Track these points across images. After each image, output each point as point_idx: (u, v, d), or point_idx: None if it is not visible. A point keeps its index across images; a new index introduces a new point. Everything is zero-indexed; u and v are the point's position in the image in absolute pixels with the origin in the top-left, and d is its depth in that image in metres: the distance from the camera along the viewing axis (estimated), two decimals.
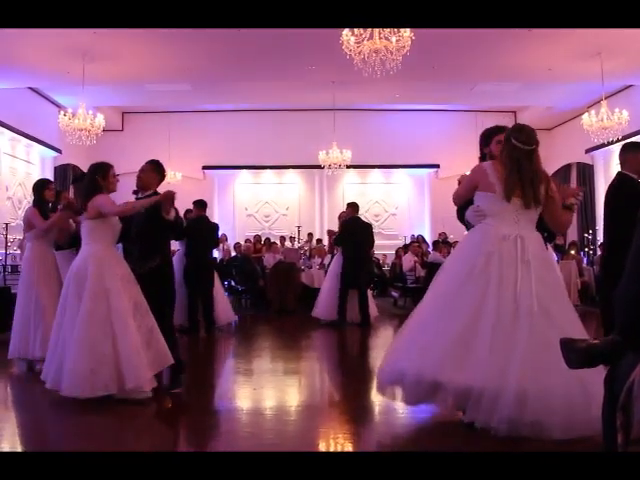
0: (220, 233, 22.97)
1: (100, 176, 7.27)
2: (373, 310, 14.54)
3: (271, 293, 17.31)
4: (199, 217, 13.12)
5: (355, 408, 6.97)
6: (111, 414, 6.37)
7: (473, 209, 6.00)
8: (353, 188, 25.85)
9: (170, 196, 7.18)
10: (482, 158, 6.68)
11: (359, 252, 13.97)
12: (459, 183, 6.73)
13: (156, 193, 7.55)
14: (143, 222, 7.32)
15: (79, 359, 6.56)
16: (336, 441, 5.74)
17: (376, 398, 7.58)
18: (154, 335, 7.00)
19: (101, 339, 6.65)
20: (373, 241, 14.67)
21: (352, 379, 8.84)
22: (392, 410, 6.83)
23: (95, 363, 6.55)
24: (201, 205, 13.28)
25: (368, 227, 14.65)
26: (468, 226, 6.45)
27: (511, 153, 5.77)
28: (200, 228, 12.83)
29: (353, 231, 14.08)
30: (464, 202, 6.22)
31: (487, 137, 6.64)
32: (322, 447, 5.58)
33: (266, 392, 7.91)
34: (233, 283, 19.38)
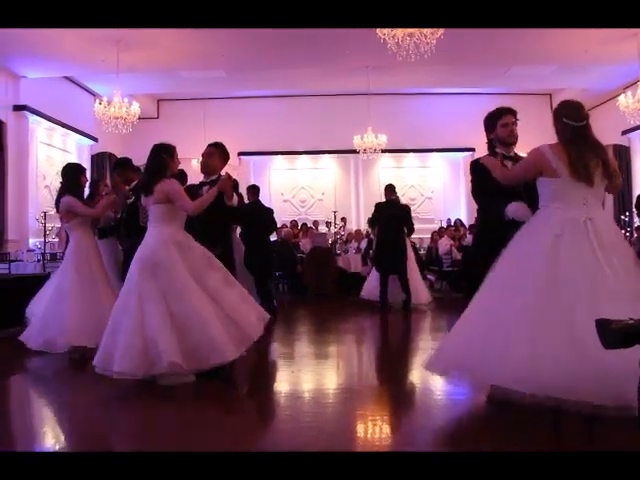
0: None
1: (168, 155, 7.22)
2: (424, 296, 14.54)
3: (308, 278, 17.36)
4: (253, 203, 13.12)
5: (392, 391, 7.00)
6: (145, 396, 6.43)
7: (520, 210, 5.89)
8: (388, 172, 25.73)
9: (228, 182, 7.17)
10: (490, 143, 6.62)
11: (392, 236, 13.89)
12: (474, 170, 6.59)
13: (220, 176, 7.55)
14: (207, 209, 7.23)
15: (212, 328, 6.72)
16: (374, 423, 5.77)
17: (414, 380, 7.62)
18: (248, 301, 7.27)
19: (216, 309, 6.83)
20: (412, 224, 14.35)
21: (390, 362, 8.86)
22: (429, 392, 6.86)
23: (223, 328, 6.79)
24: (254, 190, 13.27)
25: (404, 210, 14.38)
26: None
27: (564, 133, 5.60)
28: (257, 214, 12.86)
29: (383, 215, 14.06)
30: (517, 183, 6.01)
31: (490, 121, 6.57)
32: (360, 429, 5.62)
33: (304, 375, 7.96)
34: None
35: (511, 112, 6.55)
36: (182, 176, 10.13)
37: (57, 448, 5.01)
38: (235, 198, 7.35)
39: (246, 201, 13.16)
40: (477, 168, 6.41)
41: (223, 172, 7.78)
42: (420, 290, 14.51)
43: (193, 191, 7.51)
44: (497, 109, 6.60)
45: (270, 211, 13.68)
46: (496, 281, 5.68)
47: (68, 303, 8.67)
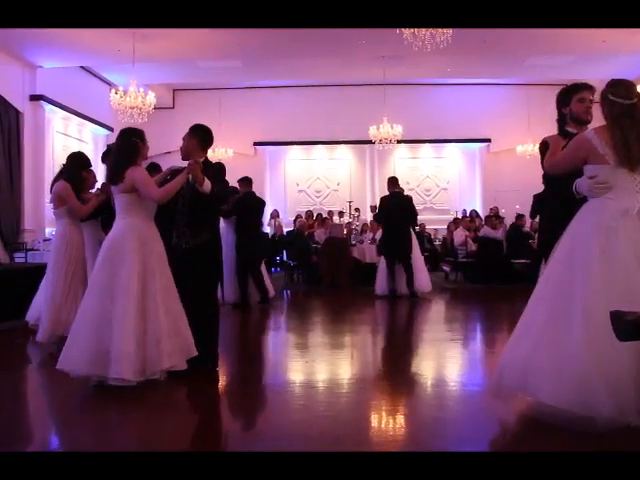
0: (271, 209, 23.18)
1: (139, 139, 6.78)
2: (425, 284, 14.61)
3: (323, 268, 17.34)
4: (246, 194, 13.16)
5: (406, 381, 7.00)
6: (150, 391, 6.43)
7: (594, 181, 5.13)
8: (404, 163, 25.74)
9: (196, 168, 6.74)
10: (560, 120, 6.09)
11: (397, 227, 14.08)
12: (542, 149, 5.96)
13: (207, 161, 7.28)
14: (189, 196, 7.03)
15: (126, 341, 6.18)
16: (387, 413, 5.78)
17: (428, 371, 7.62)
18: (182, 322, 6.63)
19: (139, 320, 6.31)
20: (415, 213, 14.67)
21: (404, 352, 8.86)
22: (443, 383, 6.87)
23: (136, 345, 6.21)
24: (247, 182, 13.32)
25: (407, 201, 14.63)
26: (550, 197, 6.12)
27: (611, 111, 5.16)
28: (249, 204, 12.92)
29: (389, 206, 14.23)
30: (564, 173, 5.45)
31: (566, 95, 6.07)
32: (373, 419, 5.63)
33: (318, 365, 7.95)
34: (285, 258, 19.52)
35: (590, 88, 6.05)
36: (158, 169, 9.75)
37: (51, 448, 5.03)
38: (207, 183, 6.84)
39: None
40: (545, 149, 5.99)
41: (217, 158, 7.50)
42: (422, 278, 14.56)
43: (178, 174, 7.18)
44: (575, 83, 6.14)
45: (262, 203, 13.77)
46: (548, 289, 5.24)
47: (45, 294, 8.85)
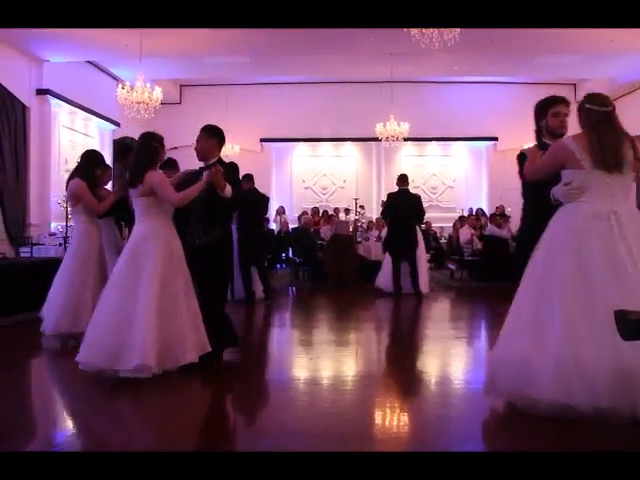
0: (278, 205, 23.18)
1: (158, 144, 6.93)
2: (424, 284, 14.59)
3: (329, 265, 17.33)
4: (249, 190, 13.15)
5: (411, 378, 7.00)
6: (154, 387, 6.42)
7: (569, 187, 5.37)
8: (410, 161, 25.69)
9: (218, 175, 6.77)
10: (538, 132, 6.37)
11: (403, 224, 14.15)
12: (520, 159, 6.29)
13: (220, 161, 7.29)
14: (205, 196, 6.96)
15: (149, 334, 6.32)
16: (392, 411, 5.77)
17: (433, 368, 7.61)
18: (199, 318, 6.82)
19: (160, 317, 6.43)
20: (422, 212, 14.66)
21: (409, 350, 8.85)
22: (448, 381, 6.87)
23: (156, 339, 6.33)
24: (249, 178, 13.32)
25: (415, 199, 14.64)
26: (529, 202, 6.37)
27: (588, 119, 5.38)
28: (252, 201, 12.91)
29: (396, 203, 14.29)
30: (544, 179, 5.66)
31: (542, 109, 6.30)
32: (378, 416, 5.63)
33: (323, 362, 7.96)
34: (291, 254, 19.52)
35: (564, 102, 6.26)
36: (174, 165, 9.72)
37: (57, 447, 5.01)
38: (228, 189, 6.90)
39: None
40: (523, 160, 6.17)
41: (223, 157, 7.51)
42: (422, 278, 14.56)
43: (194, 177, 7.21)
44: (551, 96, 6.37)
45: (265, 199, 13.88)
46: (529, 289, 5.63)
47: (58, 288, 8.84)
